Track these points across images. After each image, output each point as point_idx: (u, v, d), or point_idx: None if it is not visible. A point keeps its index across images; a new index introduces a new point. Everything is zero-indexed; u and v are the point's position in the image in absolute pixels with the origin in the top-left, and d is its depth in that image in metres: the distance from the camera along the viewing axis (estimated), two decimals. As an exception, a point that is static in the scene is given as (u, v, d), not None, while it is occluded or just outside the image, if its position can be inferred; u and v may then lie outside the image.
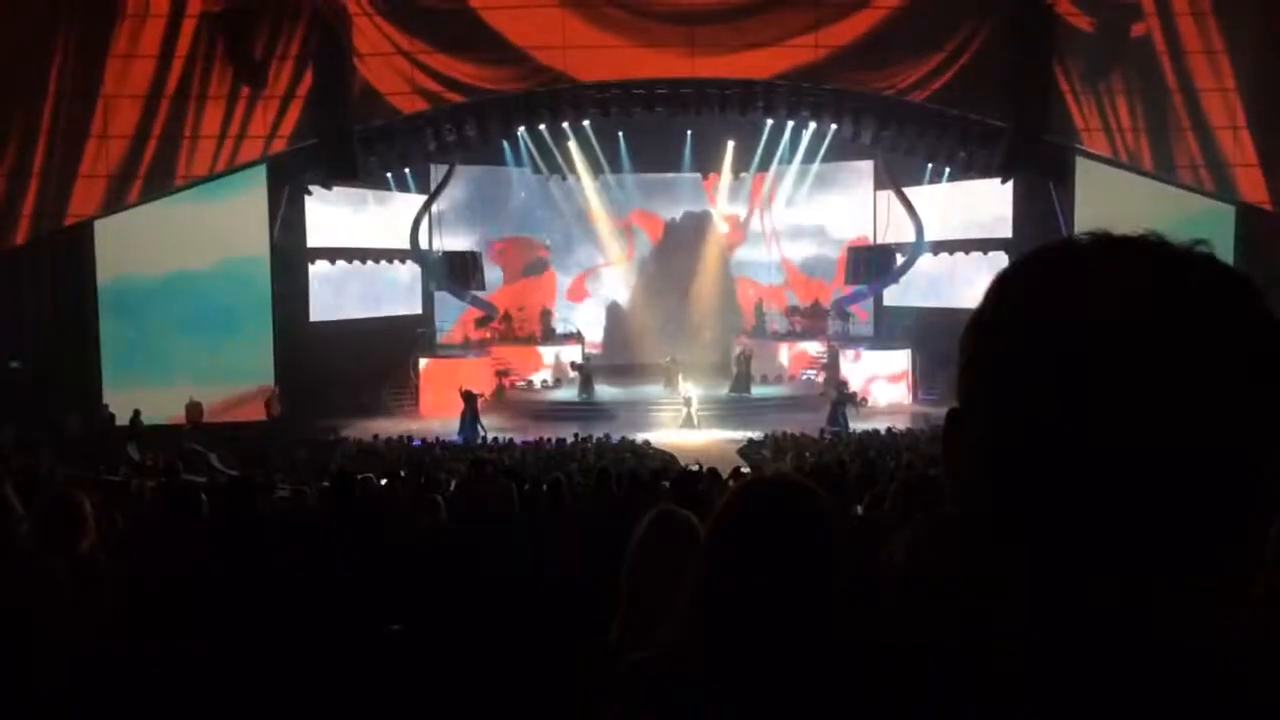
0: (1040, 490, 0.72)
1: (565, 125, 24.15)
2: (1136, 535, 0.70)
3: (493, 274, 27.52)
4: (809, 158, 26.15)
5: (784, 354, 27.13)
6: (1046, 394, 0.71)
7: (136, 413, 19.91)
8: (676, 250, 28.57)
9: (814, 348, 26.74)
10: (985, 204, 24.26)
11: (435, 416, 23.10)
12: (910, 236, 25.44)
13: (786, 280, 28.96)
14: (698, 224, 28.61)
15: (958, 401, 0.79)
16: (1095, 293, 0.72)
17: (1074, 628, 0.72)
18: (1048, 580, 0.72)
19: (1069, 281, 0.74)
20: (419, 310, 26.54)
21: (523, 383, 26.26)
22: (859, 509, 5.83)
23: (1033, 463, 0.72)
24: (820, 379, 25.71)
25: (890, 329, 26.36)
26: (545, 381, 26.41)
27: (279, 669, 3.47)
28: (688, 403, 22.91)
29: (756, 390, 24.89)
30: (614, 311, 28.93)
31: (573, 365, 25.70)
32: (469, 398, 21.81)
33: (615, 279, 28.91)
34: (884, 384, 25.14)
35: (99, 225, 20.68)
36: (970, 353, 0.78)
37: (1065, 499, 0.71)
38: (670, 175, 28.00)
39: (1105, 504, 0.70)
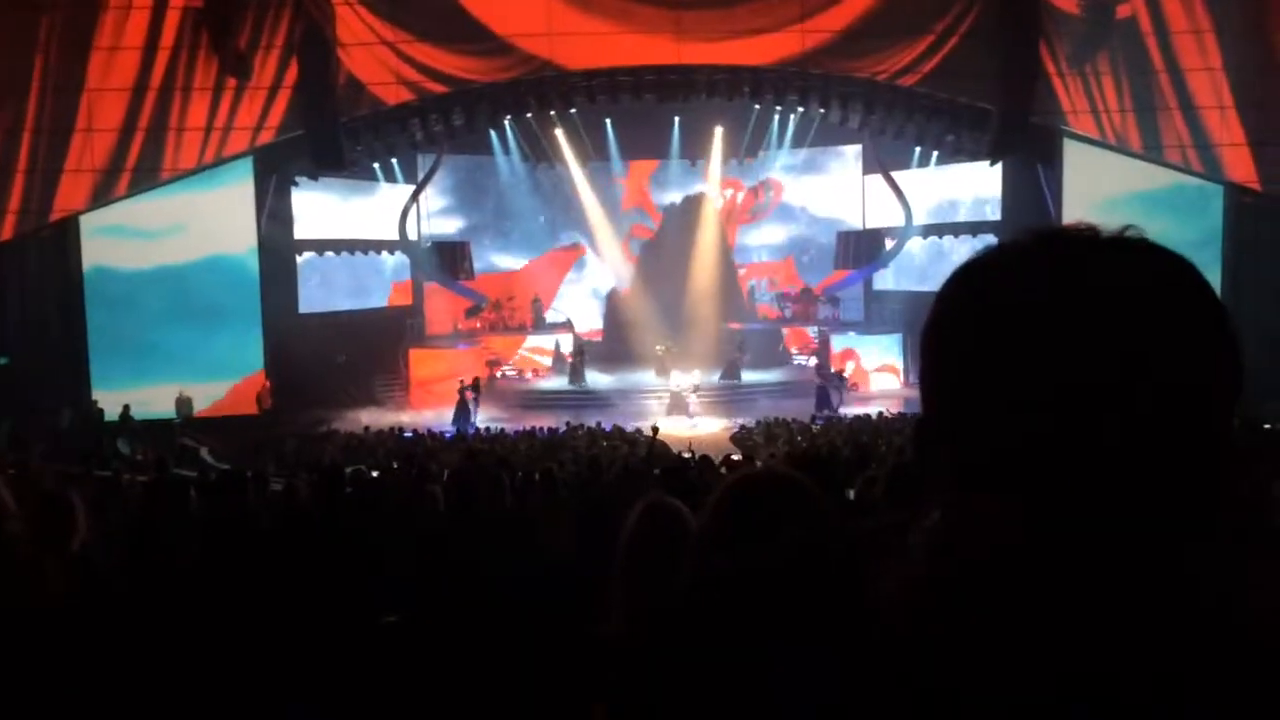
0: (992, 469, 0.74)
1: (552, 114, 24.07)
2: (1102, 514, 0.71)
3: (483, 263, 27.50)
4: (797, 142, 26.13)
5: (778, 338, 27.24)
6: (1002, 392, 0.73)
7: (126, 408, 19.86)
8: (669, 236, 28.54)
9: (807, 332, 26.83)
10: (974, 187, 24.31)
11: (426, 407, 23.10)
12: (899, 220, 25.46)
13: (782, 261, 28.93)
14: (690, 210, 28.56)
15: (920, 403, 0.83)
16: (1023, 283, 0.75)
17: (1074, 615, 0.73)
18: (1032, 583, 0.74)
19: (999, 277, 0.77)
20: (408, 301, 26.48)
21: (512, 372, 26.29)
22: (851, 494, 5.84)
23: (974, 444, 0.75)
24: (812, 364, 25.78)
25: (880, 313, 26.41)
26: (536, 370, 26.51)
27: (273, 662, 3.47)
28: (696, 390, 22.94)
29: (748, 376, 24.93)
30: (609, 298, 28.89)
31: (572, 354, 25.66)
32: (470, 388, 21.94)
33: (608, 267, 28.81)
34: (874, 369, 25.21)
35: (84, 219, 20.58)
36: (923, 359, 0.82)
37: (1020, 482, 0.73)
38: (659, 162, 27.98)
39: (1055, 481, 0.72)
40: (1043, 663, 0.73)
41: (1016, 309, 0.74)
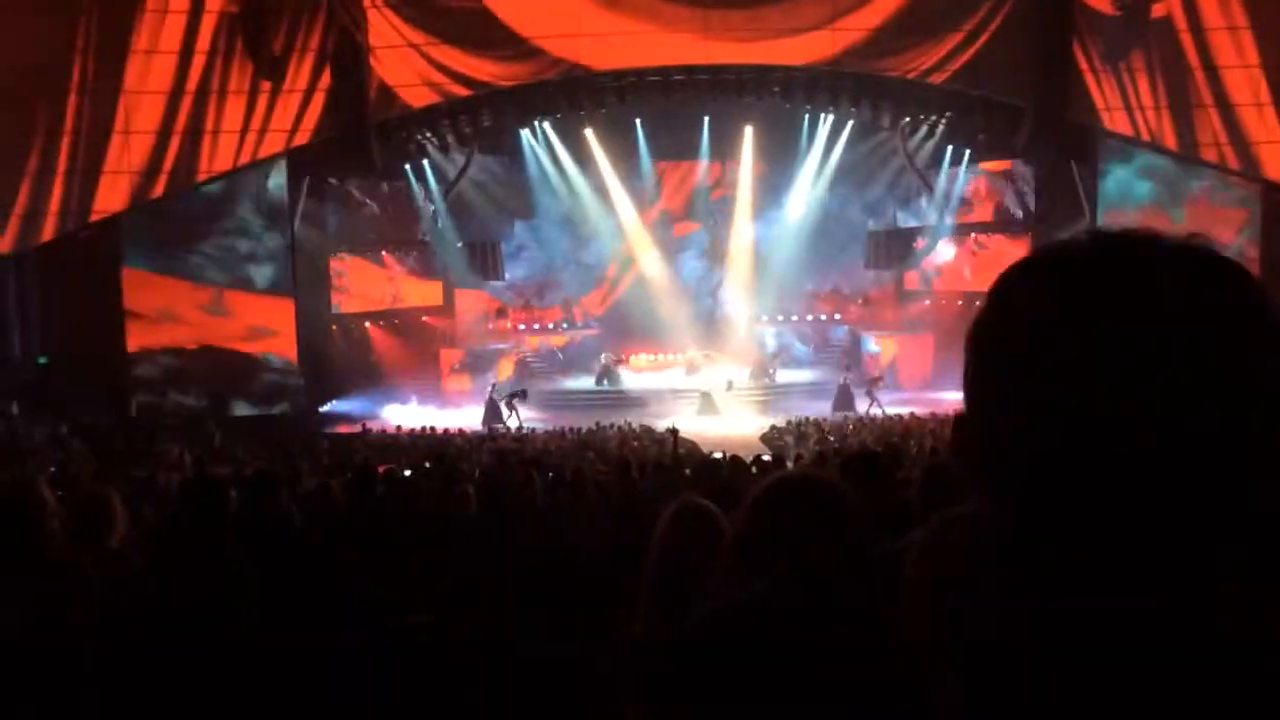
0: (1035, 491, 0.72)
1: (582, 114, 24.09)
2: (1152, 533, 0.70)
3: (514, 263, 27.57)
4: (829, 141, 25.98)
5: (809, 337, 27.15)
6: (1054, 400, 0.71)
7: (162, 407, 20.10)
8: (700, 234, 28.52)
9: (837, 332, 26.73)
10: (1007, 185, 24.11)
11: (457, 407, 23.21)
12: (930, 219, 25.31)
13: (811, 262, 28.77)
14: (721, 208, 28.48)
15: (964, 402, 0.80)
16: (1094, 296, 0.72)
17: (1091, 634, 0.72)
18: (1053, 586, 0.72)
19: (1054, 282, 0.75)
20: (439, 301, 26.61)
21: (540, 362, 26.37)
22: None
23: (1033, 465, 0.72)
24: (843, 363, 25.70)
25: (911, 313, 26.26)
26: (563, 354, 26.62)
27: (305, 660, 3.50)
28: (730, 385, 22.96)
29: (778, 376, 24.90)
30: (640, 297, 28.84)
31: (603, 364, 25.70)
32: (513, 398, 22.00)
33: (640, 265, 28.76)
34: (906, 368, 25.07)
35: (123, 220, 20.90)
36: (971, 359, 0.79)
37: (1063, 500, 0.71)
38: (689, 163, 27.93)
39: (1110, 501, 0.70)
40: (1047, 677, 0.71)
41: (1067, 316, 0.72)
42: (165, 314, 21.28)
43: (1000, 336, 0.76)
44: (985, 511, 0.78)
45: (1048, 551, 0.73)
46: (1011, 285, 0.78)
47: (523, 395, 22.03)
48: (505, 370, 24.96)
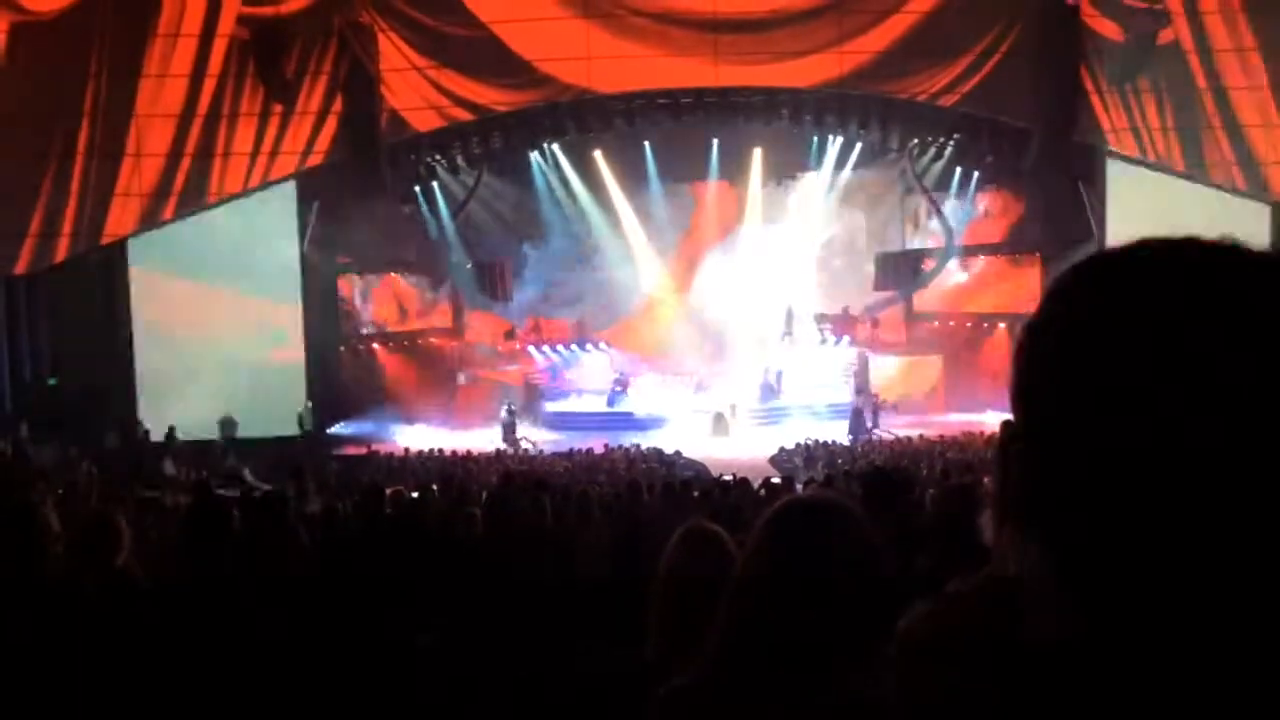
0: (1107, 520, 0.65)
1: (590, 136, 24.14)
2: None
3: (523, 284, 27.59)
4: (838, 163, 25.99)
5: (815, 360, 27.07)
6: (1118, 408, 0.64)
7: (171, 429, 20.10)
8: (709, 255, 28.49)
9: (845, 354, 26.63)
10: (1015, 207, 24.11)
11: (465, 429, 23.20)
12: (939, 241, 25.28)
13: (818, 284, 28.72)
14: (729, 229, 28.47)
15: (1012, 413, 0.73)
16: (1158, 291, 0.66)
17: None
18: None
19: (1131, 283, 0.68)
20: (448, 322, 26.63)
21: (550, 383, 26.38)
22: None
23: (1098, 485, 0.65)
24: (855, 386, 25.61)
25: (920, 335, 26.19)
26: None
27: (311, 681, 3.47)
28: (733, 410, 22.93)
29: (787, 397, 24.84)
30: (649, 318, 28.81)
31: (614, 375, 25.71)
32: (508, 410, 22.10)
33: (649, 287, 28.76)
34: (914, 390, 25.00)
35: (133, 242, 20.97)
36: (1024, 364, 0.71)
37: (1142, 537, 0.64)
38: (698, 184, 27.94)
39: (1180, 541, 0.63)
40: None
41: (1146, 318, 0.65)
42: (175, 337, 21.35)
43: (1061, 337, 0.68)
44: (1029, 573, 0.70)
45: (1128, 650, 0.64)
46: (1075, 286, 0.70)
47: (510, 410, 22.21)
48: (516, 391, 24.95)
